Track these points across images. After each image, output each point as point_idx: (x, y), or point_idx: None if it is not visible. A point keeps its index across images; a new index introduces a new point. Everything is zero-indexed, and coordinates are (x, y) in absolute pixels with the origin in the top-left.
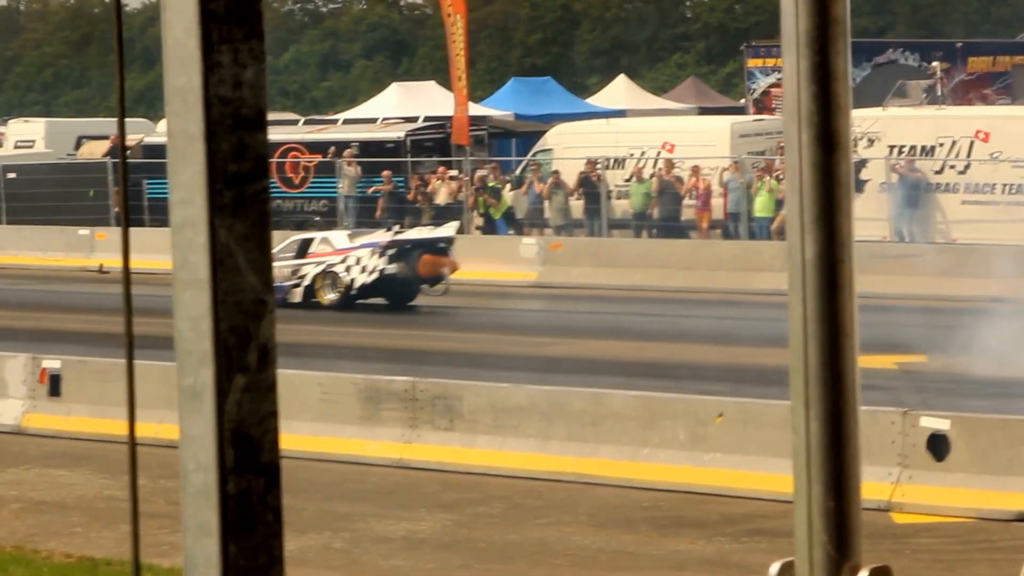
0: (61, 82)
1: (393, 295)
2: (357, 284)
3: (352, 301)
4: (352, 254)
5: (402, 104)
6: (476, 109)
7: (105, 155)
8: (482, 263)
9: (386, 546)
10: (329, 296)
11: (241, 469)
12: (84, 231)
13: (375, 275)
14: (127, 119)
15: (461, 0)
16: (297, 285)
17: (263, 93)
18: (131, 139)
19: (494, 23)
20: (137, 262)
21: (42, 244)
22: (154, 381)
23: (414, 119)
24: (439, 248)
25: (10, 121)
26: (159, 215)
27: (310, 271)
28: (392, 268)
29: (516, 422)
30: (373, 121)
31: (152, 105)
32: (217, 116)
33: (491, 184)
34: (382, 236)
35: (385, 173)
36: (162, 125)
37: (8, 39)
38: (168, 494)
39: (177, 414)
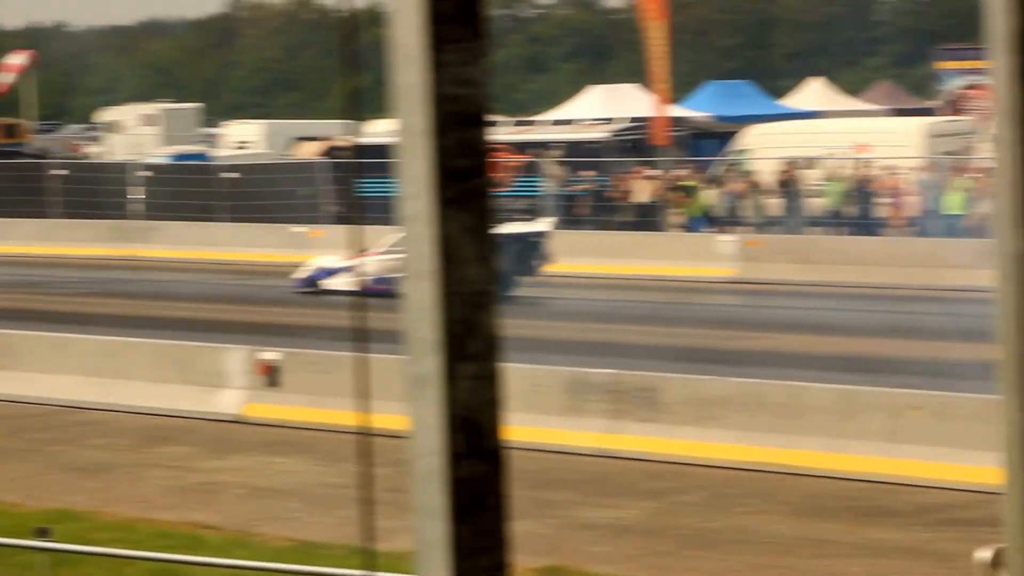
0: (277, 85)
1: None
2: None
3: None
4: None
5: (604, 106)
6: (675, 111)
7: (323, 154)
8: (681, 260)
9: (591, 533)
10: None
11: (468, 454)
12: (299, 228)
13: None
14: (339, 120)
15: (661, 4)
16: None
17: (486, 91)
18: (343, 140)
19: (693, 27)
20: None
21: (259, 241)
22: (372, 372)
23: (616, 120)
24: (531, 242)
25: (229, 123)
26: (371, 212)
27: None
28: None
29: (716, 413)
30: (576, 122)
31: (365, 109)
32: (443, 113)
33: (688, 183)
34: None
35: (587, 173)
36: (373, 127)
37: (227, 43)
38: (384, 481)
39: (388, 405)
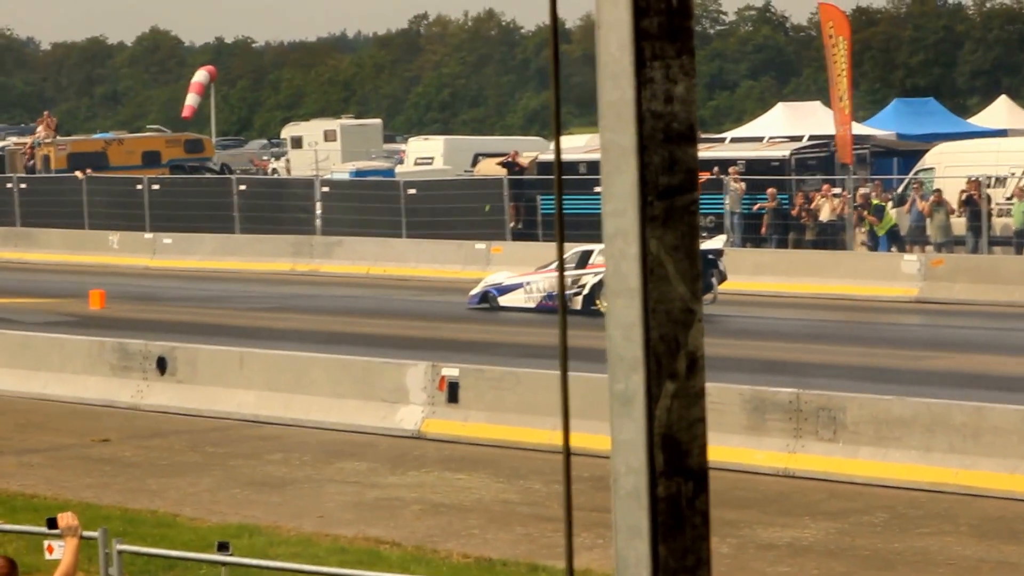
0: (459, 101)
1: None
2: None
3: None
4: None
5: (787, 123)
6: (859, 129)
7: (505, 170)
8: (864, 279)
9: (771, 552)
10: (606, 304)
11: (670, 473)
12: (480, 245)
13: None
14: (521, 136)
15: (844, 22)
16: (578, 293)
17: (693, 108)
18: (525, 156)
19: (877, 44)
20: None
21: (440, 257)
22: (550, 389)
23: (799, 138)
24: (707, 259)
25: (411, 139)
26: (553, 229)
27: (589, 280)
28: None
29: (898, 434)
30: (759, 140)
31: (546, 124)
32: (649, 130)
33: (874, 202)
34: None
35: (770, 190)
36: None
37: (409, 60)
38: (562, 498)
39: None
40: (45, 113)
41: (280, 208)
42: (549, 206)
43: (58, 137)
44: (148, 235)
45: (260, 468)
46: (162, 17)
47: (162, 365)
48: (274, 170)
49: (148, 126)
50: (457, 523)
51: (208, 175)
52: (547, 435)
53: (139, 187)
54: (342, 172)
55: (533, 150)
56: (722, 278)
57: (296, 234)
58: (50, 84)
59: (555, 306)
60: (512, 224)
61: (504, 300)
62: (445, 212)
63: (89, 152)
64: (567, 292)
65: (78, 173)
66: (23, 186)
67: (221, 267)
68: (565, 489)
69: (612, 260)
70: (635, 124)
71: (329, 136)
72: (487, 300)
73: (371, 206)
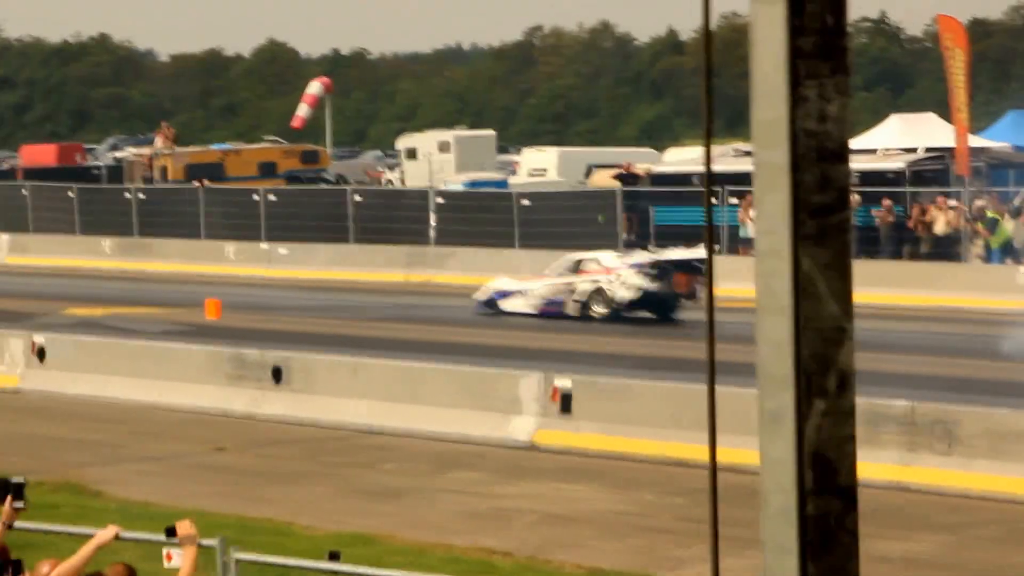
0: (572, 112)
1: (654, 310)
2: (623, 299)
3: (619, 314)
4: (618, 271)
5: (901, 134)
6: (974, 140)
7: (619, 181)
8: (980, 291)
9: (885, 566)
10: (599, 309)
11: (820, 491)
12: None
13: (638, 292)
14: (635, 148)
15: (962, 33)
16: (570, 300)
17: (847, 127)
18: (639, 168)
19: (993, 55)
20: (645, 286)
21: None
22: (661, 400)
23: (912, 150)
24: (694, 267)
25: (524, 150)
26: (665, 241)
27: (583, 287)
28: (652, 285)
29: (1014, 447)
30: (873, 151)
31: (661, 137)
32: (802, 149)
33: (989, 214)
34: (644, 256)
35: (885, 202)
36: (669, 155)
37: (523, 72)
38: (676, 510)
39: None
40: (163, 124)
41: (394, 219)
42: (662, 217)
43: (176, 148)
44: (264, 245)
45: (374, 477)
46: (279, 29)
47: (277, 374)
48: (388, 181)
49: (264, 137)
50: (570, 534)
51: (323, 186)
52: (659, 446)
53: (255, 198)
54: (456, 183)
55: (646, 161)
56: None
57: (410, 244)
58: (168, 95)
59: (554, 311)
60: (625, 235)
61: (506, 305)
62: (558, 223)
63: (206, 163)
64: (559, 298)
65: (195, 183)
66: (141, 196)
67: (335, 277)
68: (711, 501)
69: (763, 278)
70: (788, 143)
71: (443, 147)
72: (492, 305)
73: (484, 217)
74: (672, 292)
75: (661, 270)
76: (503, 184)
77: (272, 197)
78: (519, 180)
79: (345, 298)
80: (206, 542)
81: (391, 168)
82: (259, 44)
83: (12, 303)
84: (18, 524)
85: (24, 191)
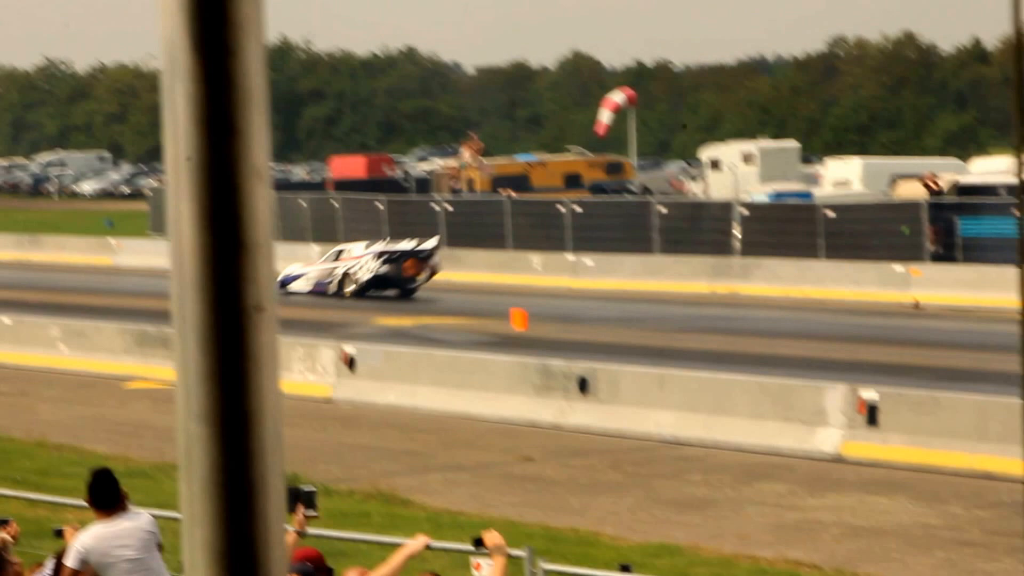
0: (876, 122)
1: (388, 288)
2: (363, 281)
3: (363, 292)
4: (361, 259)
5: None
6: None
7: (925, 192)
8: None
9: None
10: (349, 289)
11: None
12: (899, 267)
13: (373, 274)
14: (940, 159)
15: None
16: (331, 281)
17: None
18: (940, 180)
19: None
20: (951, 298)
21: (857, 279)
22: (971, 413)
23: None
24: (420, 256)
25: (827, 161)
26: (972, 252)
27: (339, 271)
28: (384, 269)
29: None
30: None
31: (966, 147)
32: None
33: None
34: (380, 246)
35: None
36: (975, 165)
37: (827, 81)
38: (983, 524)
39: (986, 446)
40: (470, 136)
41: (698, 230)
42: (968, 228)
43: (482, 160)
44: (569, 256)
45: (680, 488)
46: (583, 41)
47: (583, 385)
48: (692, 192)
49: (568, 147)
50: (877, 547)
51: (628, 197)
52: (968, 459)
53: (560, 209)
54: (760, 194)
55: (951, 172)
56: (434, 272)
57: (714, 255)
58: (474, 107)
59: (320, 291)
60: (931, 247)
61: (292, 287)
62: (863, 235)
63: (512, 174)
64: (325, 281)
65: (503, 192)
66: (448, 208)
67: (640, 288)
68: None
69: None
70: None
71: (747, 158)
72: (283, 286)
73: (789, 228)
74: (401, 275)
75: (393, 258)
76: (807, 195)
77: (577, 208)
78: (823, 191)
79: (650, 309)
80: (514, 552)
81: (694, 179)
82: (563, 56)
83: (323, 313)
84: (328, 532)
85: (334, 202)
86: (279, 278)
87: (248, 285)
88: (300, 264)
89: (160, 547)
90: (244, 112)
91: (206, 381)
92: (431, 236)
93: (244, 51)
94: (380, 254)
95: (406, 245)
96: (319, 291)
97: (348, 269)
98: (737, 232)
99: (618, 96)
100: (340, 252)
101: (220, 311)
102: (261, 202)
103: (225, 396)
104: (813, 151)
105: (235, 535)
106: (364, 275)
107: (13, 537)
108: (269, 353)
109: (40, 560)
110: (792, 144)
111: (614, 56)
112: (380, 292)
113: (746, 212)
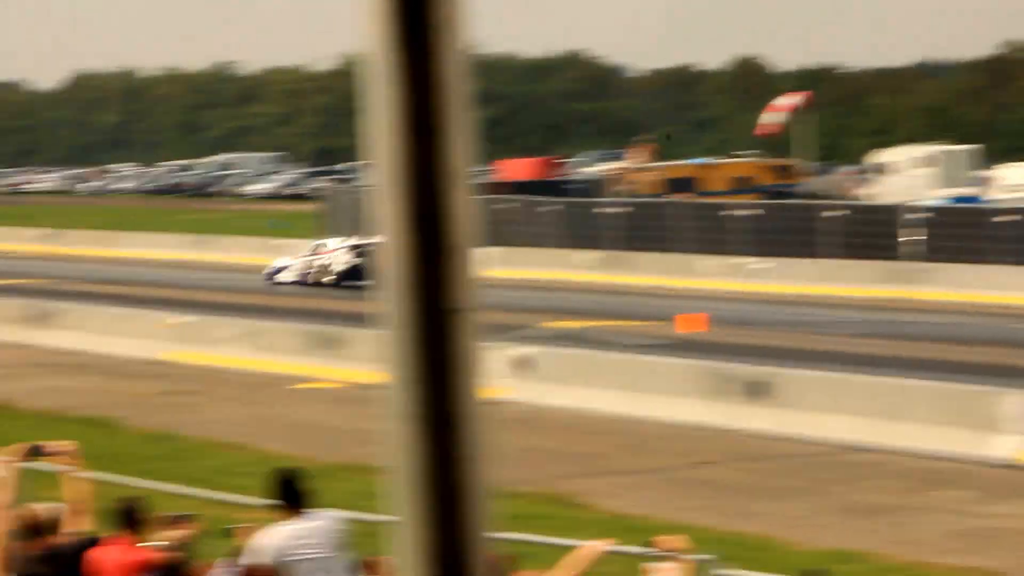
0: None
1: (363, 279)
2: (337, 272)
3: (339, 283)
4: (336, 252)
5: None
6: None
7: None
8: None
9: None
10: (325, 279)
11: None
12: None
13: (347, 266)
14: None
15: None
16: (310, 272)
17: None
18: None
19: None
20: None
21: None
22: None
23: None
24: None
25: (1001, 166)
26: None
27: (317, 263)
28: (356, 261)
29: None
30: None
31: None
32: None
33: None
34: (353, 240)
35: None
36: None
37: (999, 86)
38: None
39: None
40: (640, 138)
41: (871, 234)
42: None
43: (652, 162)
44: (739, 260)
45: (857, 494)
46: (751, 44)
47: (757, 389)
48: (864, 196)
49: (737, 152)
50: None
51: (797, 200)
52: None
53: (730, 212)
54: (933, 199)
55: None
56: None
57: (887, 260)
58: (642, 110)
59: (302, 281)
60: None
61: (278, 277)
62: None
63: (681, 177)
64: (306, 272)
65: (670, 197)
66: (618, 211)
67: (812, 292)
68: None
69: None
70: None
71: (919, 162)
72: (271, 277)
73: (966, 233)
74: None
75: (363, 251)
76: (980, 200)
77: (746, 211)
78: (997, 195)
79: (822, 313)
80: (692, 557)
81: (865, 183)
82: (732, 59)
83: (498, 315)
84: (504, 535)
85: (503, 205)
86: (269, 271)
87: (450, 286)
88: (288, 257)
89: (342, 547)
90: (444, 113)
91: (412, 381)
92: (602, 239)
93: (444, 53)
94: (353, 247)
95: (377, 239)
96: (301, 281)
97: (325, 261)
98: (914, 236)
99: (793, 98)
100: (318, 246)
101: (423, 312)
102: (462, 204)
103: (430, 396)
104: (986, 156)
105: (443, 535)
106: (338, 266)
107: (192, 535)
108: (470, 355)
109: (213, 560)
110: (964, 148)
111: (783, 59)
112: (351, 283)
113: (920, 216)
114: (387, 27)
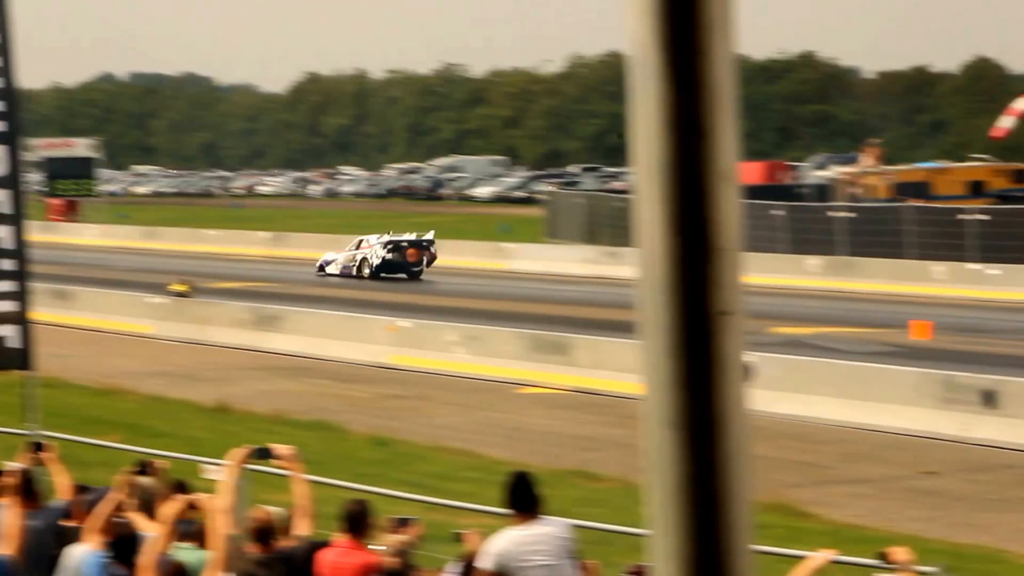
0: None
1: (397, 272)
2: (374, 265)
3: (377, 275)
4: (373, 248)
5: None
6: None
7: None
8: None
9: None
10: (365, 272)
11: None
12: None
13: (382, 259)
14: None
15: None
16: (352, 266)
17: None
18: None
19: None
20: None
21: None
22: None
23: None
24: (422, 244)
25: None
26: None
27: (358, 257)
28: (390, 256)
29: None
30: None
31: None
32: None
33: None
34: (387, 237)
35: None
36: None
37: None
38: None
39: None
40: (870, 142)
41: None
42: None
43: (883, 166)
44: (974, 266)
45: None
46: (988, 45)
47: (989, 398)
48: None
49: (972, 155)
50: None
51: None
52: None
53: (964, 217)
54: None
55: None
56: (432, 259)
57: None
58: (874, 113)
59: (346, 273)
60: None
61: (327, 270)
62: None
63: (913, 181)
64: (349, 265)
65: (903, 201)
66: (848, 215)
67: None
68: None
69: None
70: None
71: None
72: (322, 270)
73: None
74: (405, 261)
75: (396, 246)
76: None
77: (982, 216)
78: None
79: None
80: (922, 569)
81: None
82: (967, 60)
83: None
84: None
85: None
86: (319, 263)
87: (715, 290)
88: (334, 252)
89: (572, 555)
90: (713, 114)
91: (674, 386)
92: (832, 244)
93: (712, 52)
94: (387, 243)
95: (409, 236)
96: (345, 274)
97: (364, 256)
98: None
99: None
100: (360, 242)
101: (687, 316)
102: (729, 205)
103: (693, 402)
104: None
105: (703, 544)
106: (375, 260)
107: (416, 539)
108: (735, 358)
109: (440, 565)
110: None
111: (1020, 60)
112: (390, 276)
113: None
114: (656, 26)
